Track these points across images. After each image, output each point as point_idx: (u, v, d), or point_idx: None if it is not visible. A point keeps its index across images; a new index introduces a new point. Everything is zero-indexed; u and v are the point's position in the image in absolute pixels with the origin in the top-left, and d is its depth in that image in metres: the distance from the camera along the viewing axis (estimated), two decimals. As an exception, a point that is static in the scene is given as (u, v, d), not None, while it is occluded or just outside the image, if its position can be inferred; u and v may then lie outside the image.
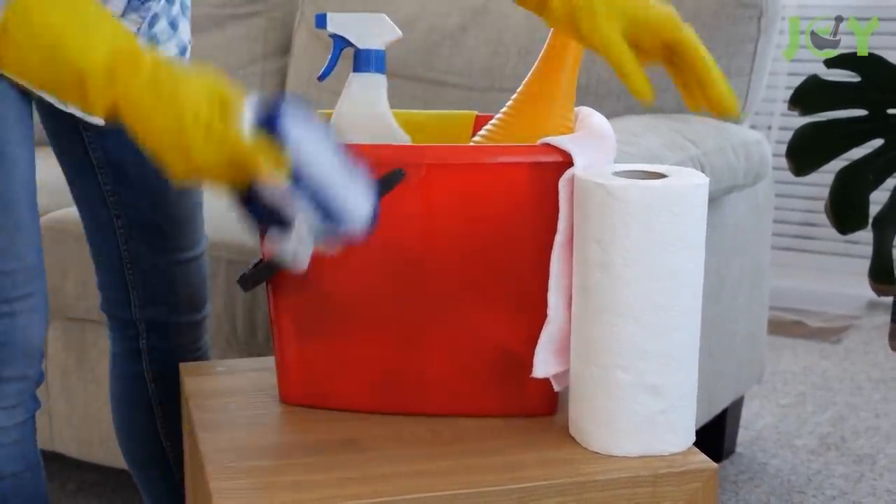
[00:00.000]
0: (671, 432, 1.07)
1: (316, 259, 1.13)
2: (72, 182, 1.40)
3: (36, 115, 1.30)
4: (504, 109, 1.19)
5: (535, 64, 1.18)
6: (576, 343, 1.09)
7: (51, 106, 1.33)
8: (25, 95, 1.22)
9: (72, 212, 2.00)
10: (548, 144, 1.08)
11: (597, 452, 1.08)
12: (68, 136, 1.36)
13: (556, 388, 1.14)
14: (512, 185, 1.09)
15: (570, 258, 1.10)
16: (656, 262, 1.03)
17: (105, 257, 1.41)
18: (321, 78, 1.28)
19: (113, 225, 1.38)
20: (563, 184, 1.08)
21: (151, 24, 1.29)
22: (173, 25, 1.31)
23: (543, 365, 1.12)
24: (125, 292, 1.42)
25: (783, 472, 2.22)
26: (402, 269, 1.13)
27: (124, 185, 1.36)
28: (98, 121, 1.27)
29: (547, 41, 1.17)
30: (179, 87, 0.89)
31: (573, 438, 1.11)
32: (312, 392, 1.19)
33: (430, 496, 1.00)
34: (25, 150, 1.20)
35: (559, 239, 1.09)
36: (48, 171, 2.23)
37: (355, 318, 1.15)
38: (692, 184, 1.03)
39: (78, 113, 1.25)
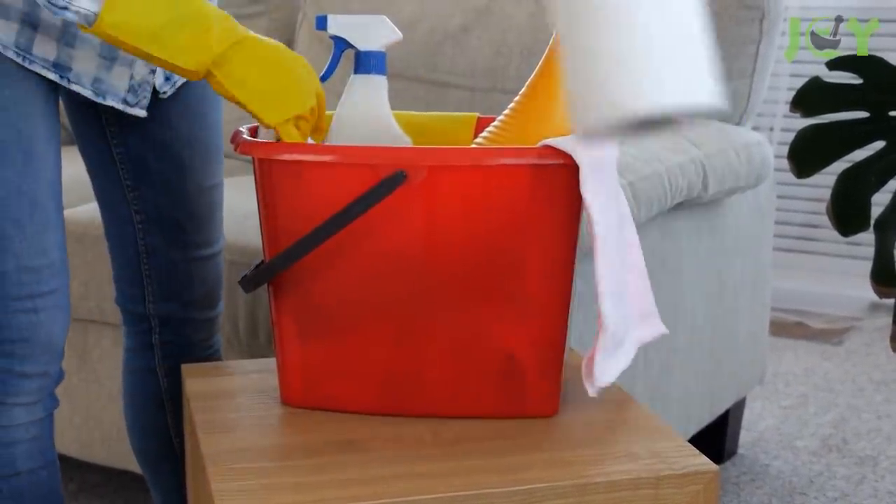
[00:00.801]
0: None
1: (317, 260, 1.13)
2: (93, 176, 1.41)
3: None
4: (506, 112, 1.20)
5: (538, 66, 1.18)
6: None
7: (78, 101, 1.35)
8: (52, 93, 1.23)
9: (76, 212, 2.00)
10: (549, 146, 1.08)
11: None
12: (92, 130, 1.37)
13: (592, 393, 1.15)
14: (513, 186, 1.10)
15: (617, 258, 1.10)
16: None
17: (122, 251, 1.42)
18: (322, 79, 1.28)
19: (132, 219, 1.40)
20: (586, 184, 1.07)
21: None
22: None
23: (605, 374, 1.12)
24: (140, 286, 1.43)
25: (785, 474, 2.22)
26: (403, 271, 1.13)
27: (144, 180, 1.38)
28: (141, 112, 1.28)
29: (550, 43, 1.17)
30: (276, 43, 1.13)
31: (574, 440, 1.11)
32: (314, 394, 1.19)
33: (431, 498, 1.00)
34: (52, 147, 1.21)
35: (599, 244, 1.08)
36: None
37: (356, 319, 1.15)
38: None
39: (119, 106, 1.27)
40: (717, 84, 0.88)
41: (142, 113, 1.29)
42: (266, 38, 1.13)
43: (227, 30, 1.10)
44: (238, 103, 1.11)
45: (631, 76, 0.86)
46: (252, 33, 1.12)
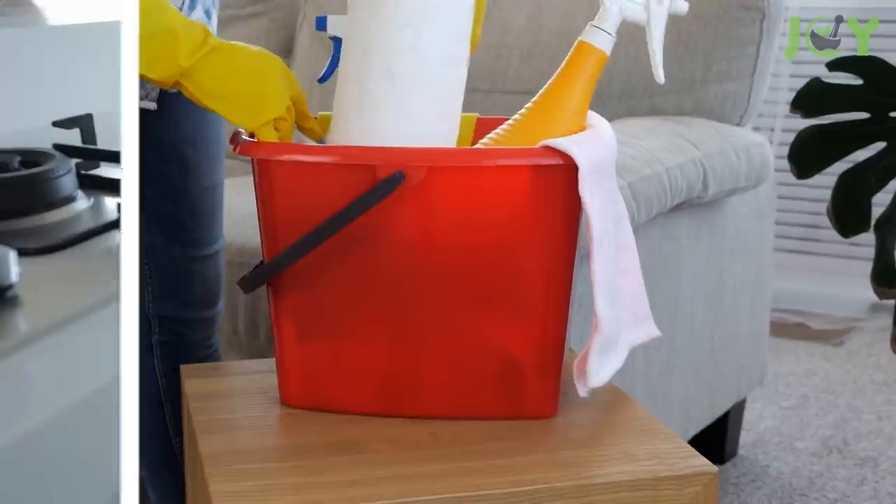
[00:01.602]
0: None
1: (316, 261, 1.13)
2: None
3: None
4: (516, 116, 1.18)
5: (556, 74, 1.17)
6: None
7: None
8: None
9: (74, 213, 2.00)
10: (548, 147, 1.08)
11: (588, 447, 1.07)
12: None
13: (583, 393, 1.15)
14: (513, 187, 1.09)
15: (613, 260, 1.10)
16: None
17: None
18: (322, 80, 1.28)
19: None
20: (584, 184, 1.07)
21: (192, 8, 1.29)
22: (208, 14, 1.33)
23: (598, 374, 1.12)
24: (140, 286, 1.43)
25: (785, 475, 2.21)
26: (402, 272, 1.12)
27: (147, 180, 1.37)
28: (151, 104, 1.29)
29: (570, 52, 1.16)
30: (250, 49, 1.13)
31: (573, 442, 1.11)
32: (313, 394, 1.19)
33: (429, 499, 1.00)
34: None
35: (595, 245, 1.08)
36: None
37: (356, 320, 1.15)
38: None
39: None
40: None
41: (152, 105, 1.29)
42: (239, 44, 1.13)
43: (196, 43, 1.10)
44: (211, 111, 1.12)
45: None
46: (223, 41, 1.13)
